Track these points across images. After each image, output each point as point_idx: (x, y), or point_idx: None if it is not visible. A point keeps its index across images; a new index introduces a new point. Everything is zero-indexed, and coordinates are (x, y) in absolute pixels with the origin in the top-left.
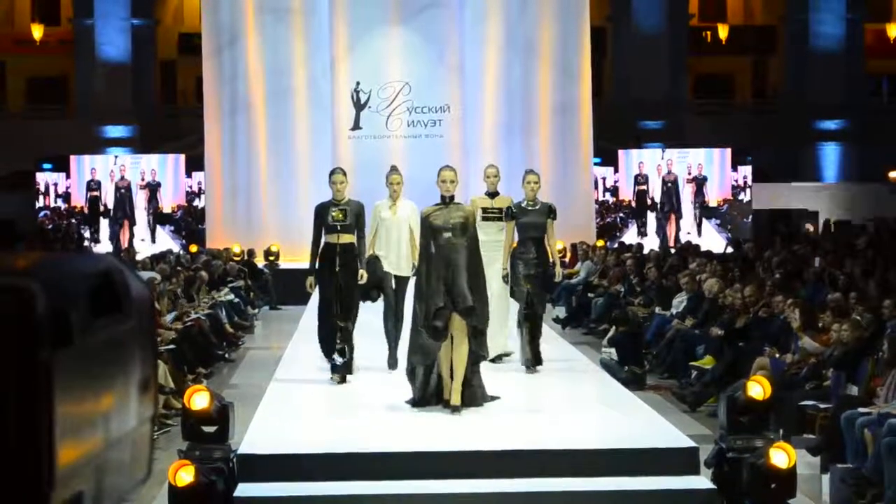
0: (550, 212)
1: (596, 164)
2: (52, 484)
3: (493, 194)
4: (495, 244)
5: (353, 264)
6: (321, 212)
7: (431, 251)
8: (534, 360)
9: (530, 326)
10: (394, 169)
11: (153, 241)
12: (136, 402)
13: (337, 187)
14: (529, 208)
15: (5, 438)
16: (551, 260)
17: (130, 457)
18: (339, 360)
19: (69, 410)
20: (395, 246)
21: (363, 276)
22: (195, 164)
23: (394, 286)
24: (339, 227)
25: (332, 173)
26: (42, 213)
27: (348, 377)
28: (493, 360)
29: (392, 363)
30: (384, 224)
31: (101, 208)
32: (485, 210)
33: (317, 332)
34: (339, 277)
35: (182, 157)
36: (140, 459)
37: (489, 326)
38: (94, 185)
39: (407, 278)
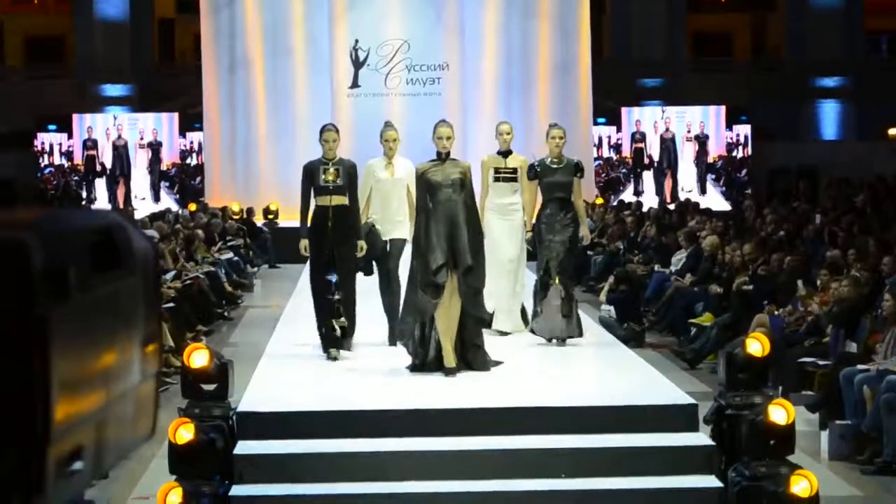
0: (577, 169)
1: (601, 123)
2: (48, 438)
3: (505, 153)
4: (509, 207)
5: (346, 229)
6: (311, 171)
7: (429, 207)
8: (565, 331)
9: (546, 297)
10: (388, 125)
11: (157, 200)
12: (140, 358)
13: (329, 145)
14: (554, 166)
15: (1, 392)
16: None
17: (134, 413)
18: (334, 332)
19: (67, 365)
20: (392, 208)
21: (363, 248)
22: (189, 123)
23: (389, 251)
24: (331, 188)
25: (323, 130)
26: (47, 170)
27: (345, 353)
28: (505, 334)
29: (392, 339)
30: (380, 185)
31: (98, 167)
32: (497, 170)
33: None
34: (332, 243)
35: (176, 115)
36: (144, 416)
37: (503, 299)
38: (90, 144)
39: (404, 241)
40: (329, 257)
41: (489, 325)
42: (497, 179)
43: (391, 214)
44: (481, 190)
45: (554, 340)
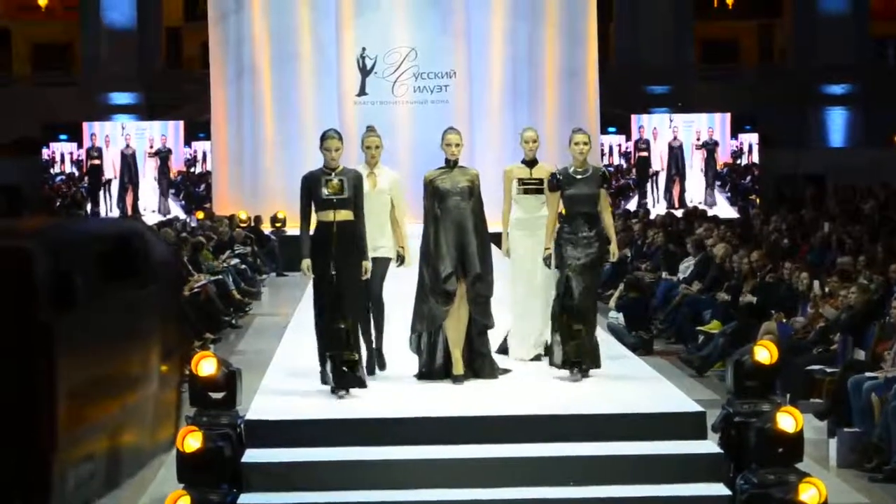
0: (604, 179)
1: (612, 132)
2: (54, 445)
3: (531, 162)
4: (535, 221)
5: (352, 248)
6: (311, 183)
7: (437, 214)
8: (574, 359)
9: (567, 320)
10: (370, 129)
11: (166, 210)
12: (158, 367)
13: (332, 154)
14: (578, 176)
15: (6, 399)
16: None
17: (152, 423)
18: (343, 369)
19: (76, 372)
20: (373, 222)
21: (367, 269)
22: (194, 132)
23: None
24: (335, 202)
25: (324, 137)
26: (58, 179)
27: (353, 391)
28: (534, 359)
29: (380, 363)
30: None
31: (102, 177)
32: (521, 181)
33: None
34: (336, 264)
35: (181, 123)
36: (165, 425)
37: (535, 324)
38: (94, 153)
39: (388, 261)
40: (332, 280)
41: (489, 328)
42: (522, 192)
43: (373, 228)
44: (503, 203)
45: (574, 370)
